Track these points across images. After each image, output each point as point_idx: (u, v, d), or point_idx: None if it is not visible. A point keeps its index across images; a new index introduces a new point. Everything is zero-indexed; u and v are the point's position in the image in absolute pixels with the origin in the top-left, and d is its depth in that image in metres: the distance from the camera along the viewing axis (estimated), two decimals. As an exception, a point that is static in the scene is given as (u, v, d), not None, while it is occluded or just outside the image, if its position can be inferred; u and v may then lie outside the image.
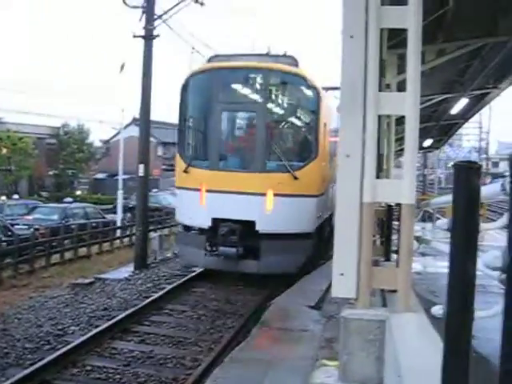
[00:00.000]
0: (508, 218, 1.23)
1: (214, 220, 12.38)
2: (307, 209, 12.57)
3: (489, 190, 3.97)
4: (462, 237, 2.08)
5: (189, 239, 13.38)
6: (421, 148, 32.00)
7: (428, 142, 28.85)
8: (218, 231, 12.25)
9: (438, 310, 2.10)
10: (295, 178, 12.19)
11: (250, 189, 12.14)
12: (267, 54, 13.31)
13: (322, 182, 13.24)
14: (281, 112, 13.89)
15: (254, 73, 13.07)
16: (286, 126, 13.99)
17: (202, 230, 12.93)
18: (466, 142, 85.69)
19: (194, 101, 13.65)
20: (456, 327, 2.07)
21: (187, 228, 13.59)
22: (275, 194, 12.12)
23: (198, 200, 12.54)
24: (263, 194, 12.13)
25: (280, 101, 13.66)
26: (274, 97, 13.42)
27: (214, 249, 12.92)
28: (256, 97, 13.24)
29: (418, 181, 50.44)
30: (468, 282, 2.06)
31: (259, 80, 13.03)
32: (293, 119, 14.19)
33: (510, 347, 1.22)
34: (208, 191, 12.43)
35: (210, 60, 13.70)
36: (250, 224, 12.16)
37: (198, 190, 12.57)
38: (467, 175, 2.07)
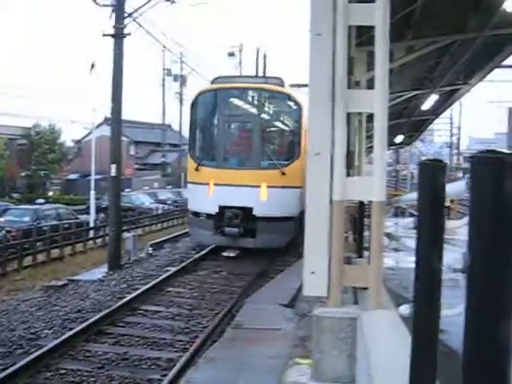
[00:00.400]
0: (468, 221, 1.23)
1: (220, 207, 15.85)
2: (292, 197, 15.60)
3: (455, 188, 4.01)
4: (428, 234, 2.08)
5: (199, 223, 16.85)
6: (393, 144, 32.31)
7: (400, 138, 29.13)
8: (224, 216, 15.79)
9: (404, 309, 2.10)
10: (283, 174, 15.66)
11: (248, 182, 15.60)
12: (259, 76, 19.72)
13: (304, 176, 15.48)
14: (271, 122, 17.96)
15: (249, 91, 17.33)
16: (274, 133, 18.22)
17: (209, 216, 16.26)
18: (438, 137, 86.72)
19: (202, 114, 17.55)
20: (423, 324, 2.08)
21: (196, 214, 17.05)
22: (268, 186, 15.67)
23: (207, 192, 15.96)
24: (258, 186, 15.63)
25: (270, 113, 18.00)
26: (265, 110, 17.70)
27: (220, 230, 16.24)
28: (251, 110, 17.46)
29: (391, 176, 50.91)
30: (434, 279, 2.07)
31: (253, 97, 17.24)
32: (280, 127, 18.16)
33: (471, 345, 1.22)
34: (215, 184, 15.86)
35: (213, 81, 17.37)
36: (249, 210, 15.71)
37: (207, 183, 15.99)
38: (432, 173, 2.07)
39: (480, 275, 1.22)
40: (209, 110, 17.58)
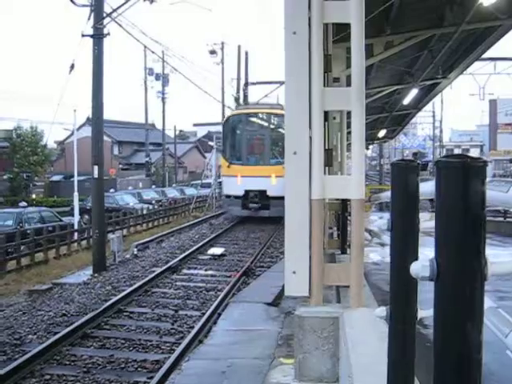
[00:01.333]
0: (435, 224, 1.21)
1: (245, 191, 24.43)
2: None
3: (430, 188, 3.99)
4: (402, 235, 2.07)
5: (231, 202, 25.75)
6: (376, 138, 32.43)
7: (382, 133, 29.25)
8: (248, 196, 24.49)
9: (380, 312, 2.08)
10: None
11: (263, 174, 23.90)
12: (269, 103, 28.16)
13: None
14: (276, 133, 25.31)
15: (262, 115, 26.89)
16: (279, 140, 24.00)
17: (238, 197, 24.77)
18: (421, 130, 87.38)
19: (231, 129, 26.45)
20: (399, 326, 2.06)
21: (229, 196, 25.87)
22: (276, 176, 22.99)
23: (236, 181, 24.73)
24: (270, 176, 23.66)
25: (276, 128, 25.91)
26: (272, 126, 26.44)
27: (245, 206, 24.74)
28: (264, 126, 26.83)
29: (376, 171, 51.09)
30: (409, 279, 2.06)
31: (264, 118, 26.85)
32: (283, 136, 24.84)
33: (440, 348, 1.20)
34: (241, 176, 24.58)
35: (237, 107, 29.41)
36: (264, 191, 23.99)
37: (236, 176, 24.82)
38: (405, 173, 2.06)
39: (447, 278, 1.20)
40: (236, 126, 26.57)
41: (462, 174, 1.16)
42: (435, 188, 1.21)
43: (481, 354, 1.16)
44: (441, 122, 75.49)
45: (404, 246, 2.01)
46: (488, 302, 1.55)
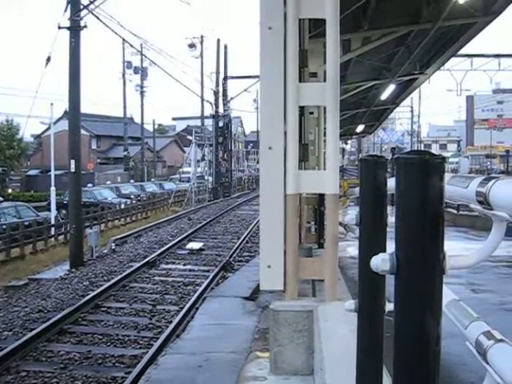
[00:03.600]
0: (395, 216, 1.24)
1: None
2: None
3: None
4: (369, 230, 2.10)
5: None
6: (354, 133, 32.65)
7: (360, 128, 29.44)
8: None
9: (349, 305, 2.11)
10: None
11: None
12: None
13: None
14: None
15: None
16: None
17: None
18: (399, 125, 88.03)
19: None
20: (367, 319, 2.10)
21: None
22: None
23: None
24: None
25: None
26: None
27: None
28: None
29: (354, 165, 51.38)
30: (377, 274, 2.09)
31: None
32: None
33: (399, 343, 1.23)
34: None
35: None
36: None
37: None
38: (373, 169, 2.08)
39: (407, 271, 1.23)
40: None
41: (421, 170, 1.19)
42: (395, 183, 1.23)
43: (439, 346, 1.19)
44: (418, 117, 76.25)
45: (372, 240, 2.04)
46: (450, 295, 1.59)
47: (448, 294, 1.56)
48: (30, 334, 9.53)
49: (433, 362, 1.17)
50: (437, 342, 1.18)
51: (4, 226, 20.28)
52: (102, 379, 7.96)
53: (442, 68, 18.10)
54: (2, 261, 18.07)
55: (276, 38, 4.31)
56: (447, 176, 1.46)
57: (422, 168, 1.18)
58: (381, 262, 1.26)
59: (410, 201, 1.20)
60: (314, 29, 8.23)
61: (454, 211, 20.45)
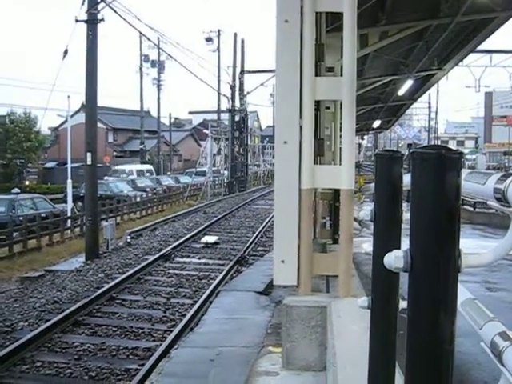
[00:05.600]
0: (410, 212, 1.21)
1: None
2: None
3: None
4: (384, 226, 2.07)
5: None
6: (371, 129, 32.47)
7: (377, 123, 29.25)
8: None
9: (363, 302, 2.09)
10: None
11: None
12: None
13: None
14: None
15: None
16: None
17: None
18: (416, 121, 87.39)
19: None
20: (380, 317, 2.07)
21: None
22: None
23: None
24: None
25: None
26: None
27: None
28: None
29: (370, 161, 51.13)
30: (391, 271, 2.06)
31: None
32: None
33: (413, 340, 1.21)
34: None
35: None
36: None
37: None
38: (389, 164, 2.05)
39: (421, 269, 1.20)
40: None
41: (437, 165, 1.16)
42: (411, 178, 1.20)
43: (453, 346, 1.17)
44: (436, 113, 75.57)
45: (386, 236, 2.01)
46: (465, 294, 1.56)
47: (463, 293, 1.53)
48: (45, 325, 9.61)
49: (446, 362, 1.15)
50: (450, 341, 1.16)
51: (21, 218, 20.44)
52: (115, 371, 8.00)
53: (460, 64, 17.89)
54: (19, 252, 18.24)
55: (292, 32, 4.28)
56: (464, 172, 1.43)
57: (439, 163, 1.15)
58: (394, 259, 1.24)
59: (426, 196, 1.17)
60: (331, 23, 8.17)
61: (471, 208, 20.26)
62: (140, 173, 44.92)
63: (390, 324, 2.01)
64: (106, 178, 37.12)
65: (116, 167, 45.68)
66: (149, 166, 48.57)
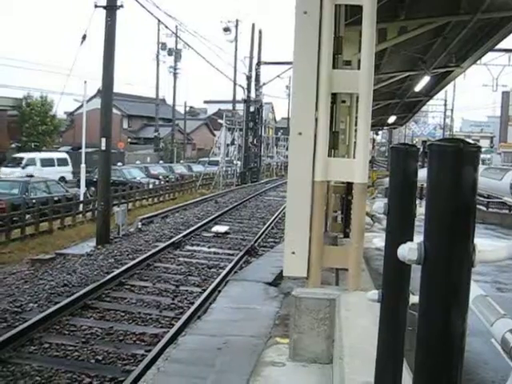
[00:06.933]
0: (425, 204, 1.20)
1: None
2: None
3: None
4: (398, 220, 2.06)
5: None
6: (386, 124, 32.29)
7: (392, 119, 29.06)
8: None
9: (373, 295, 2.08)
10: None
11: None
12: None
13: None
14: None
15: None
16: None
17: None
18: (432, 118, 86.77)
19: None
20: (390, 311, 2.07)
21: None
22: None
23: None
24: None
25: None
26: None
27: None
28: None
29: (384, 157, 50.92)
30: (403, 265, 2.05)
31: None
32: None
33: (424, 333, 1.20)
34: None
35: None
36: None
37: None
38: (404, 158, 2.04)
39: (434, 262, 1.20)
40: None
41: (454, 158, 1.15)
42: (427, 171, 1.20)
43: (463, 343, 1.16)
44: (452, 111, 74.97)
45: (399, 230, 2.01)
46: (477, 290, 1.55)
47: (474, 289, 1.53)
48: (54, 307, 9.69)
49: (456, 359, 1.14)
50: (461, 338, 1.15)
51: (34, 201, 20.57)
52: (122, 355, 8.06)
53: (478, 62, 17.69)
54: (31, 234, 18.37)
55: (311, 23, 4.25)
56: (481, 168, 1.42)
57: (456, 156, 1.15)
58: (408, 251, 1.23)
59: (442, 190, 1.17)
60: (350, 16, 8.11)
61: (484, 208, 20.15)
62: (46, 162, 34.11)
63: (399, 318, 2.01)
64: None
65: (14, 155, 36.49)
66: (62, 155, 37.34)
